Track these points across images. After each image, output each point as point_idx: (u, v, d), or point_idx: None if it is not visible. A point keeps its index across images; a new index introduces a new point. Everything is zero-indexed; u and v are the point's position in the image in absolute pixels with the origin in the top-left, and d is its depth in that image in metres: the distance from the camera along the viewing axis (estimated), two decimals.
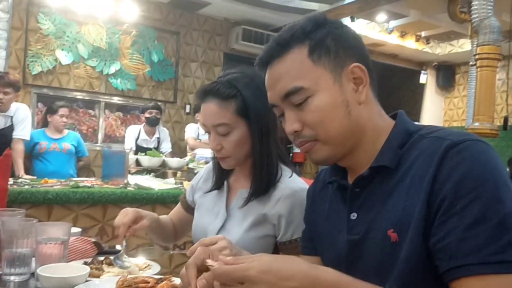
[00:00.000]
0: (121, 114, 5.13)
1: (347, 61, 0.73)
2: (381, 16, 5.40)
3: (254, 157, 1.09)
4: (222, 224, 1.13)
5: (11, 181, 2.42)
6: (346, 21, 4.93)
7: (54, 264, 0.98)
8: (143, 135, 4.15)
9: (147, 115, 4.10)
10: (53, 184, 2.49)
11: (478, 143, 0.64)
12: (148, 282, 0.90)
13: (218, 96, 1.06)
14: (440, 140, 0.66)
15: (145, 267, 1.12)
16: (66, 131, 3.68)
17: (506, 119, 4.03)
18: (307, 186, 0.99)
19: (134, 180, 2.67)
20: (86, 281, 0.95)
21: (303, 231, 0.92)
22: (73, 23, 4.63)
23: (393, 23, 5.70)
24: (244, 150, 1.09)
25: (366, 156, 0.74)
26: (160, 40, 5.17)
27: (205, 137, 3.91)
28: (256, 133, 1.07)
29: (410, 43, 6.36)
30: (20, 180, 2.64)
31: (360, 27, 5.60)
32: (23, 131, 3.18)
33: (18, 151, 3.12)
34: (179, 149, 4.94)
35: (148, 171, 3.14)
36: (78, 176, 3.59)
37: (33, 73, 4.45)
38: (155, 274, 1.03)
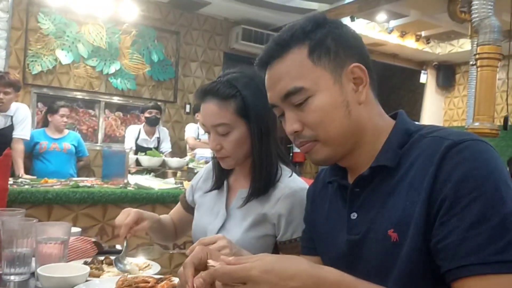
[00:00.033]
0: (121, 114, 5.13)
1: (347, 61, 0.72)
2: (381, 16, 5.40)
3: (254, 157, 1.09)
4: (222, 224, 1.13)
5: (11, 181, 2.42)
6: (346, 20, 4.93)
7: (54, 264, 0.98)
8: (143, 135, 4.15)
9: (147, 115, 4.10)
10: (53, 184, 2.49)
11: (478, 143, 0.64)
12: (148, 282, 0.90)
13: (217, 96, 1.06)
14: (440, 140, 0.66)
15: (145, 266, 1.12)
16: (66, 131, 3.68)
17: (506, 119, 4.03)
18: (307, 186, 0.99)
19: (134, 180, 2.67)
20: (86, 281, 0.95)
21: (303, 231, 0.92)
22: (73, 23, 4.63)
23: (393, 23, 5.70)
24: (244, 150, 1.09)
25: (366, 156, 0.74)
26: (160, 39, 5.17)
27: (205, 137, 3.91)
28: (256, 133, 1.07)
29: (410, 43, 6.36)
30: (20, 180, 2.64)
31: (360, 26, 5.59)
32: (23, 131, 3.18)
33: (18, 151, 3.12)
34: (179, 149, 4.94)
35: (148, 171, 3.14)
36: (78, 176, 3.59)
37: (33, 72, 4.45)
38: (155, 274, 1.03)
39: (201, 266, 0.69)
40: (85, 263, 1.10)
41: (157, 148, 3.99)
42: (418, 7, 5.16)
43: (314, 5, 4.91)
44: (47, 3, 4.38)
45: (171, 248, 2.32)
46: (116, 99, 5.01)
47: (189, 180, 2.58)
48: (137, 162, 3.15)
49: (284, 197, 1.06)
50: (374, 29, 5.93)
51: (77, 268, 0.98)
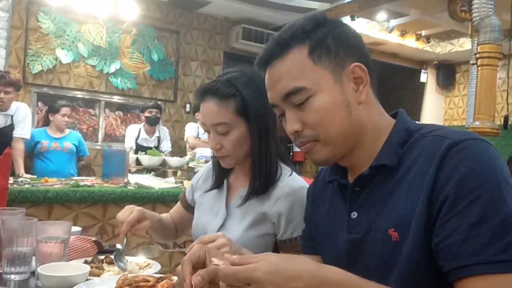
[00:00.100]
0: (121, 113, 5.13)
1: (348, 60, 0.72)
2: (381, 15, 5.39)
3: (254, 156, 1.09)
4: (222, 223, 1.13)
5: (11, 180, 2.42)
6: (346, 20, 4.93)
7: (55, 263, 0.98)
8: (143, 134, 4.15)
9: (147, 114, 4.10)
10: (53, 183, 2.49)
11: (479, 142, 0.64)
12: (149, 281, 0.90)
13: (217, 95, 1.06)
14: (441, 139, 0.66)
15: (146, 266, 1.12)
16: (67, 131, 3.69)
17: (506, 118, 4.03)
18: (307, 185, 0.98)
19: (134, 179, 2.68)
20: (87, 280, 0.95)
21: (303, 230, 0.92)
22: (73, 22, 4.62)
23: (394, 22, 5.69)
24: (244, 149, 1.09)
25: (366, 155, 0.74)
26: (160, 39, 5.17)
27: (205, 136, 3.91)
28: (256, 132, 1.07)
29: (411, 42, 6.35)
30: (20, 179, 2.64)
31: (360, 26, 5.59)
32: (23, 130, 3.19)
33: (18, 150, 3.12)
34: (179, 148, 4.94)
35: (148, 170, 3.15)
36: (79, 175, 3.59)
37: (33, 72, 4.45)
38: (156, 273, 1.03)
39: (199, 264, 0.69)
40: (86, 262, 1.10)
41: (157, 147, 3.99)
42: (418, 6, 5.15)
43: (315, 4, 4.91)
44: (47, 2, 4.38)
45: (171, 247, 2.32)
46: (116, 99, 5.01)
47: (189, 179, 2.58)
48: (137, 162, 3.15)
49: (284, 196, 1.06)
50: (374, 28, 5.92)
51: (77, 267, 0.98)
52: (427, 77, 7.23)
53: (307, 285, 0.56)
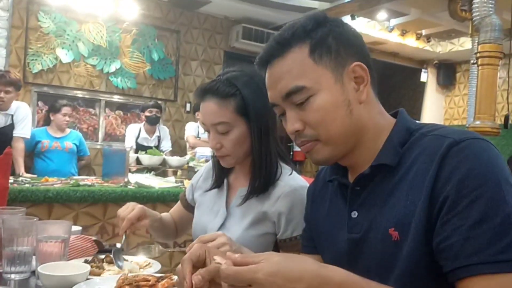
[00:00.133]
0: (121, 112, 5.13)
1: (348, 60, 0.72)
2: (382, 15, 5.39)
3: (254, 155, 1.09)
4: (222, 222, 1.13)
5: (11, 179, 2.42)
6: (347, 19, 4.92)
7: (55, 262, 0.98)
8: (144, 134, 4.15)
9: (147, 113, 4.10)
10: (54, 183, 2.49)
11: (479, 141, 0.64)
12: (149, 281, 0.90)
13: (217, 95, 1.06)
14: (441, 139, 0.66)
15: (146, 265, 1.12)
16: (68, 130, 3.69)
17: (507, 118, 4.02)
18: (307, 184, 0.98)
19: (135, 178, 2.68)
20: (87, 279, 0.95)
21: (303, 230, 0.92)
22: (73, 22, 4.62)
23: (394, 22, 5.68)
24: (244, 149, 1.09)
25: (367, 154, 0.74)
26: (160, 38, 5.16)
27: (205, 135, 3.91)
28: (256, 131, 1.07)
29: (411, 42, 6.34)
30: (20, 178, 2.64)
31: (361, 25, 5.58)
32: (24, 129, 3.19)
33: (18, 150, 3.13)
34: (179, 147, 4.94)
35: (148, 169, 3.15)
36: (79, 175, 3.59)
37: (34, 71, 4.45)
38: (156, 272, 1.03)
39: (199, 264, 0.69)
40: (86, 261, 1.10)
41: (157, 146, 4.00)
42: (419, 5, 5.15)
43: (315, 4, 4.90)
44: (47, 1, 4.38)
45: (172, 246, 2.32)
46: (116, 98, 5.01)
47: (189, 179, 2.58)
48: (138, 161, 3.15)
49: (284, 195, 1.06)
50: (374, 28, 5.92)
51: (77, 267, 0.98)
52: (427, 76, 7.22)
53: (308, 286, 0.56)
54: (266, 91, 0.77)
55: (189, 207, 1.31)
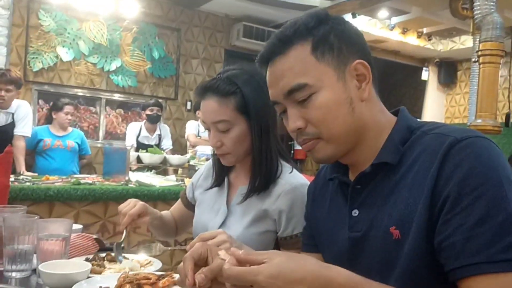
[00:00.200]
0: (122, 111, 5.13)
1: (350, 57, 0.72)
2: (383, 13, 5.38)
3: (254, 153, 1.09)
4: (223, 220, 1.13)
5: (12, 178, 2.42)
6: (348, 17, 4.91)
7: (56, 260, 0.98)
8: (144, 132, 4.15)
9: (148, 112, 4.10)
10: (54, 181, 2.49)
11: (481, 140, 0.64)
12: (150, 279, 0.90)
13: (217, 93, 1.06)
14: (442, 137, 0.66)
15: (147, 263, 1.12)
16: (70, 129, 3.70)
17: (508, 116, 4.01)
18: (308, 182, 0.98)
19: (135, 177, 2.68)
20: (88, 277, 0.95)
21: (304, 228, 0.92)
22: (74, 20, 4.62)
23: (395, 20, 5.67)
24: (244, 147, 1.09)
25: (368, 153, 0.74)
26: (161, 36, 5.16)
27: (206, 134, 3.90)
28: (256, 129, 1.06)
29: (412, 40, 6.33)
30: (21, 177, 2.64)
31: (362, 23, 5.58)
32: (24, 128, 3.19)
33: (19, 148, 3.13)
34: (180, 146, 4.94)
35: (149, 168, 3.15)
36: (80, 173, 3.60)
37: (34, 70, 4.45)
38: (157, 271, 1.03)
39: (201, 262, 0.69)
40: (87, 260, 1.10)
41: (158, 145, 4.00)
42: (420, 3, 5.14)
43: (316, 2, 4.89)
44: (48, 0, 4.37)
45: (172, 244, 2.32)
46: (117, 96, 5.01)
47: (190, 177, 2.58)
48: (138, 159, 3.15)
49: (285, 193, 1.06)
50: (375, 26, 5.91)
51: (78, 265, 0.98)
52: (428, 74, 7.21)
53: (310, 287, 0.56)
54: (267, 89, 0.77)
55: (190, 205, 1.31)
